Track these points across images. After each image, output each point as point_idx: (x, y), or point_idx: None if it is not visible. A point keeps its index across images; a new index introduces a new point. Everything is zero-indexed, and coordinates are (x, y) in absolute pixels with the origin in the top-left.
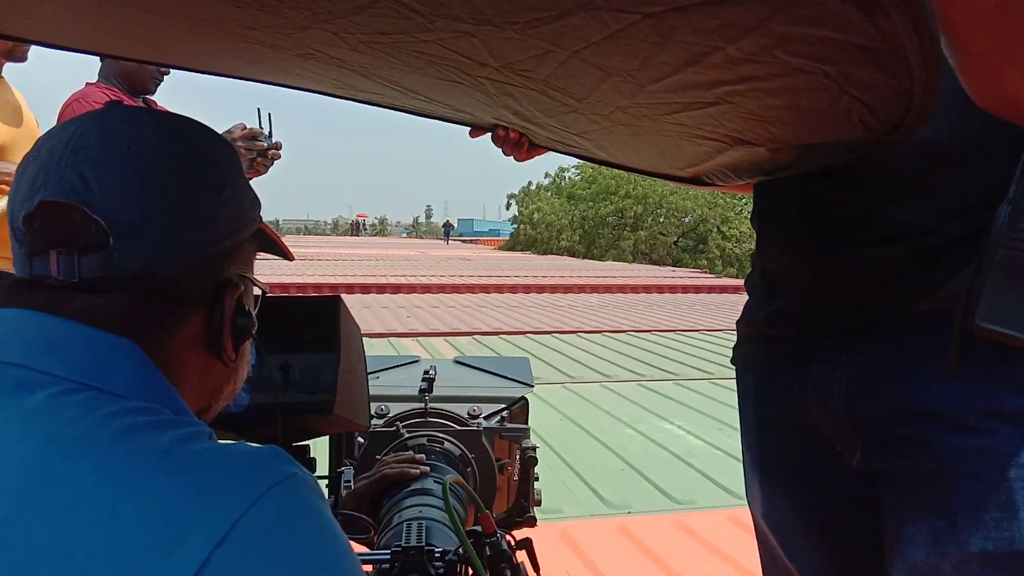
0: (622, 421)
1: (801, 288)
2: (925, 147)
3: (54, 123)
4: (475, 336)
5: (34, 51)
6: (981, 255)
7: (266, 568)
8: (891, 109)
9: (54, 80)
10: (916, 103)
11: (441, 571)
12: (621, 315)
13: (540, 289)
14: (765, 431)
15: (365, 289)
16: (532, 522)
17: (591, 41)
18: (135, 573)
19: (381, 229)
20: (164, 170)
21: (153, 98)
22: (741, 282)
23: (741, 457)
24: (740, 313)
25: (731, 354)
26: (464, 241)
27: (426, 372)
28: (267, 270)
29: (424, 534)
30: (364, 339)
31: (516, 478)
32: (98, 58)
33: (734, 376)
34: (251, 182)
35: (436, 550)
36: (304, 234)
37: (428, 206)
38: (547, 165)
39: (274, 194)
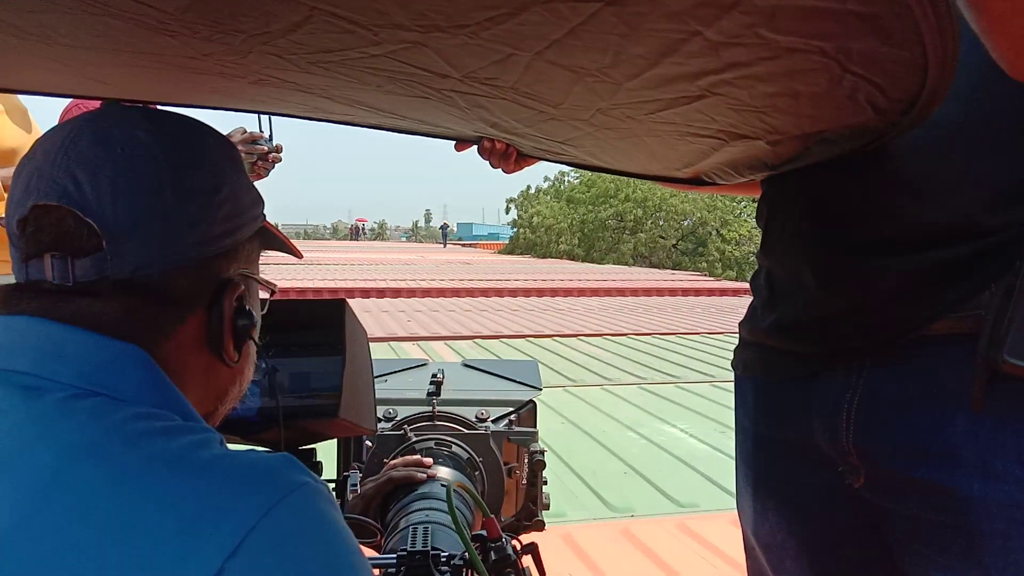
0: (624, 424)
1: (805, 297)
2: (941, 130)
3: None
4: (476, 340)
5: None
6: (1014, 272)
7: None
8: (902, 85)
9: None
10: (931, 76)
11: (447, 574)
12: (621, 318)
13: (540, 293)
14: (761, 444)
15: (365, 293)
16: (540, 526)
17: (552, 39)
18: None
19: (380, 233)
20: (157, 171)
21: None
22: (741, 285)
23: None
24: (741, 315)
25: (732, 357)
26: (463, 245)
27: (434, 376)
28: (267, 275)
29: (430, 538)
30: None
31: (524, 482)
32: None
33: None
34: None
35: (442, 554)
36: (303, 239)
37: (427, 210)
38: (546, 169)
39: (273, 199)
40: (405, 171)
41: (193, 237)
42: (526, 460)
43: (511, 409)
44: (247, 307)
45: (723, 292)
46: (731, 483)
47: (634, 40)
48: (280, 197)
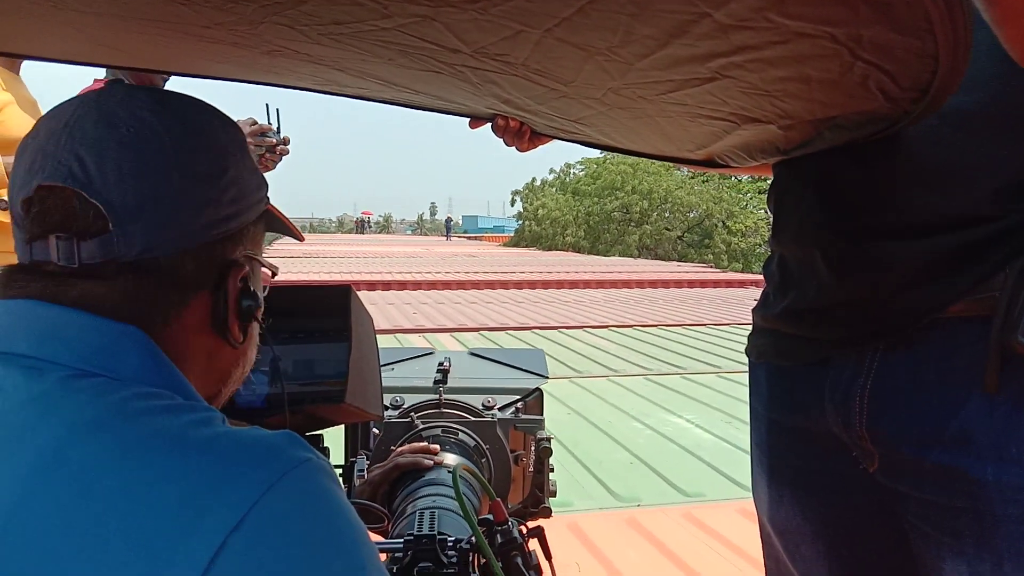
0: (630, 415)
1: (817, 283)
2: (958, 119)
3: None
4: (481, 331)
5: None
6: None
7: (282, 553)
8: (914, 74)
9: (68, 76)
10: (942, 66)
11: (453, 559)
12: (627, 310)
13: (546, 285)
14: (775, 430)
15: (371, 286)
16: (547, 513)
17: (562, 17)
18: (150, 557)
19: (386, 226)
20: (163, 153)
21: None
22: (747, 276)
23: (748, 449)
24: (751, 305)
25: (743, 345)
26: (469, 238)
27: (440, 364)
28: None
29: (437, 523)
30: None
31: (531, 469)
32: None
33: (742, 370)
34: None
35: (449, 539)
36: (309, 231)
37: (432, 203)
38: (552, 161)
39: (279, 192)
40: (411, 164)
41: (199, 220)
42: (533, 448)
43: (518, 397)
44: (252, 288)
45: (729, 284)
46: (738, 473)
47: (643, 20)
48: (286, 190)
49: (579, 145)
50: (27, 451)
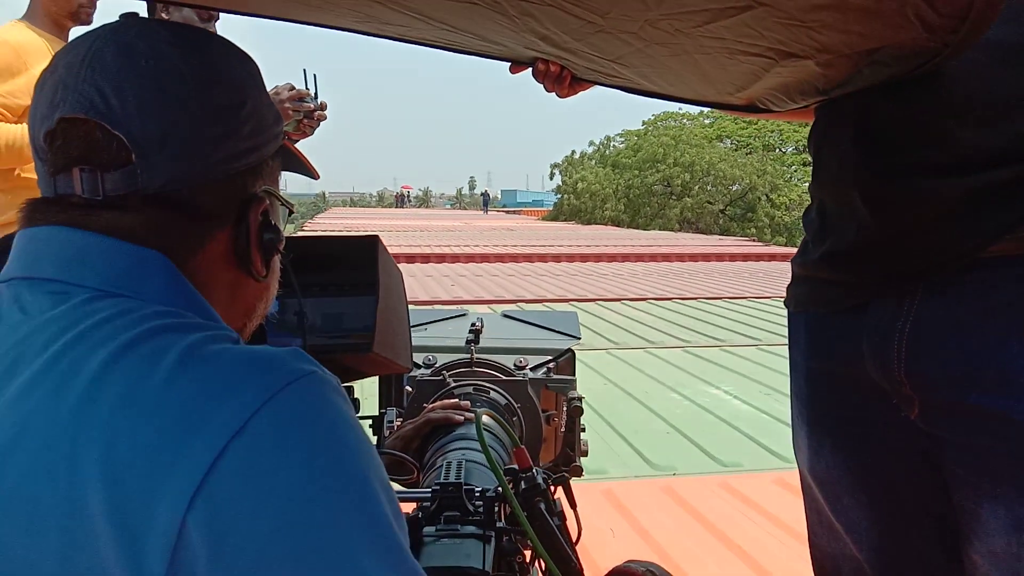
0: (667, 386)
1: (856, 224)
2: (1001, 52)
3: None
4: (519, 303)
5: (99, 14)
6: None
7: (283, 458)
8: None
9: None
10: None
11: (479, 508)
12: (666, 283)
13: (584, 258)
14: (815, 379)
15: (410, 259)
16: (578, 472)
17: None
18: (154, 459)
19: (425, 200)
20: (184, 84)
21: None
22: (791, 251)
23: (790, 422)
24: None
25: (784, 319)
26: (507, 212)
27: (473, 325)
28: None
29: (464, 473)
30: (409, 307)
31: (563, 429)
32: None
33: (783, 343)
34: (298, 145)
35: (475, 489)
36: (349, 206)
37: (472, 177)
38: (592, 133)
39: (319, 167)
40: (450, 138)
41: (220, 152)
42: (564, 407)
43: (549, 357)
44: (273, 222)
45: (772, 257)
46: (776, 444)
47: None
48: (326, 166)
49: (620, 91)
50: (42, 362)
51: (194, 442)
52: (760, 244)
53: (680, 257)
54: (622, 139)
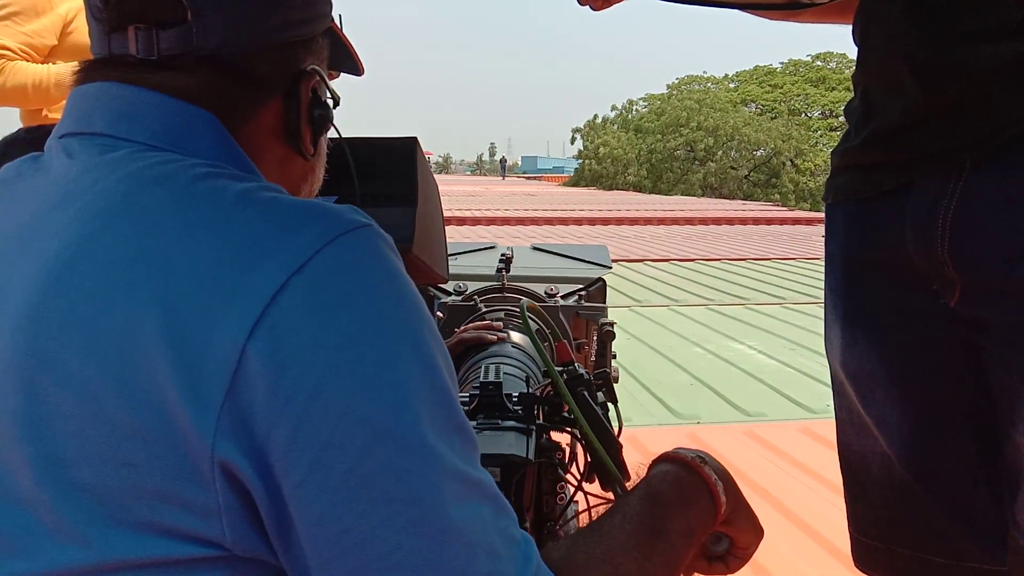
0: (691, 341)
1: (903, 101)
2: None
3: None
4: None
5: None
6: None
7: (343, 299)
8: None
9: None
10: None
11: (518, 409)
12: (690, 245)
13: (605, 221)
14: (851, 270)
15: None
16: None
17: None
18: (214, 288)
19: (445, 167)
20: None
21: None
22: (816, 215)
23: (816, 376)
24: (818, 242)
25: (809, 279)
26: (528, 179)
27: (503, 255)
28: None
29: (502, 377)
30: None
31: (593, 358)
32: None
33: (808, 301)
34: None
35: (513, 394)
36: None
37: (492, 144)
38: (614, 98)
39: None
40: (470, 104)
41: (274, 18)
42: (595, 337)
43: (580, 286)
44: (323, 99)
45: (796, 221)
46: (802, 395)
47: None
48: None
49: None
50: (97, 196)
51: (254, 275)
52: (785, 209)
53: (703, 221)
54: (645, 103)
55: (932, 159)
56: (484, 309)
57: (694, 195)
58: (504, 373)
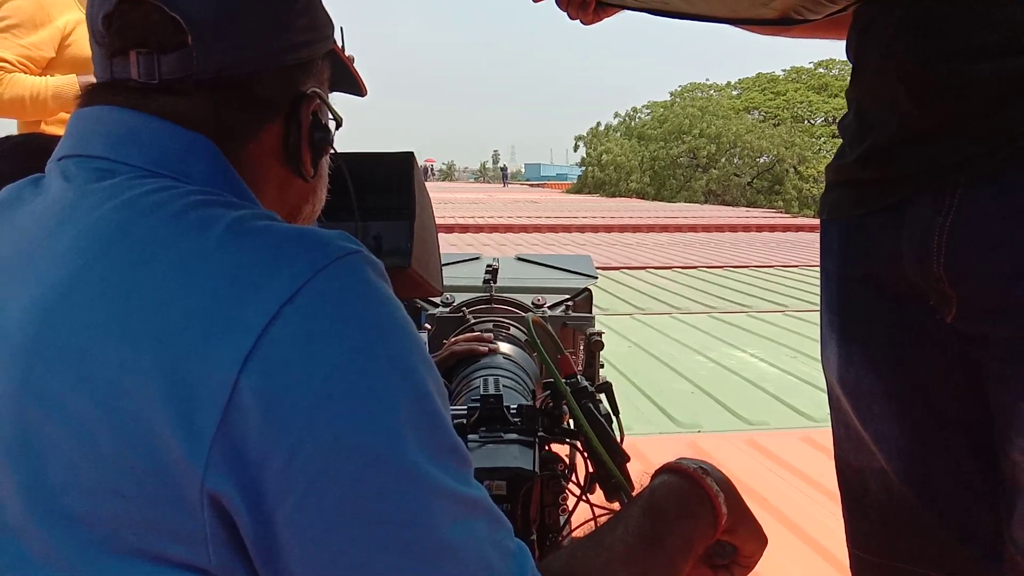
0: (692, 349)
1: (898, 117)
2: None
3: None
4: None
5: None
6: None
7: (333, 328)
8: None
9: None
10: None
11: (517, 420)
12: (692, 252)
13: (608, 229)
14: (847, 286)
15: None
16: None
17: None
18: (207, 320)
19: (449, 174)
20: None
21: None
22: (819, 222)
23: (819, 384)
24: (819, 249)
25: (812, 286)
26: (531, 186)
27: (489, 266)
28: None
29: (501, 389)
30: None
31: (581, 367)
32: None
33: (811, 308)
34: None
35: (512, 406)
36: None
37: (495, 151)
38: (617, 105)
39: (343, 139)
40: (474, 112)
41: (275, 42)
42: (583, 345)
43: (567, 296)
44: (323, 121)
45: (800, 228)
46: (804, 404)
47: None
48: (350, 140)
49: (647, 14)
50: (92, 225)
51: (246, 307)
52: (788, 216)
53: (706, 228)
54: (648, 110)
55: (927, 175)
56: (473, 320)
57: (697, 202)
58: (502, 385)
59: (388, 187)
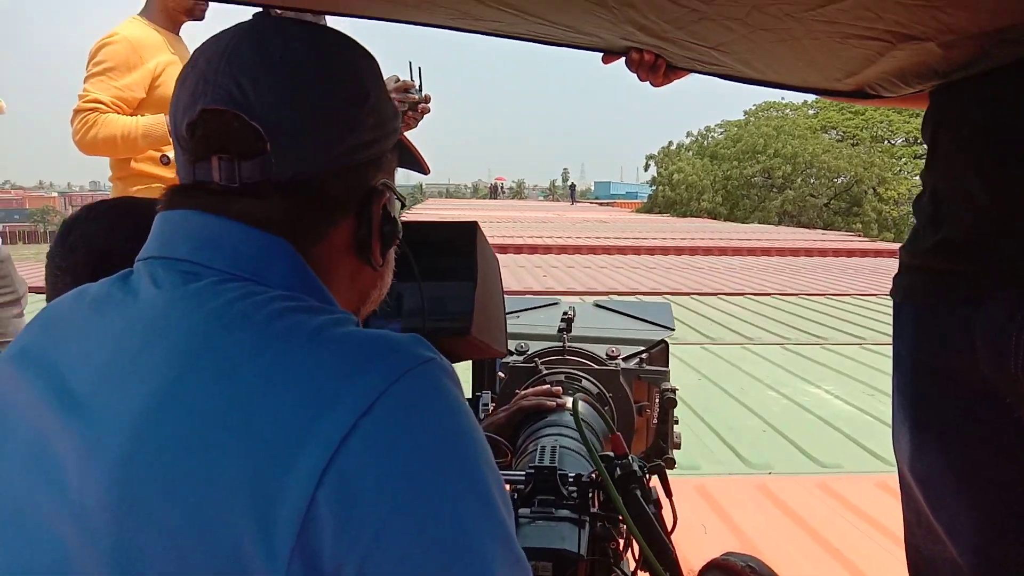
0: (764, 383)
1: (975, 213)
2: None
3: None
4: (611, 295)
5: (211, 10)
6: None
7: (406, 439)
8: None
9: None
10: None
11: (573, 493)
12: (766, 278)
13: (679, 251)
14: (920, 373)
15: (503, 249)
16: (671, 464)
17: None
18: (288, 433)
19: (518, 192)
20: (313, 79)
21: None
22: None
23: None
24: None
25: (889, 317)
26: (600, 204)
27: (565, 313)
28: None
29: (558, 459)
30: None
31: (655, 421)
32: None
33: (888, 342)
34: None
35: (570, 475)
36: (445, 197)
37: (565, 169)
38: (690, 124)
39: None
40: (544, 130)
41: (346, 143)
42: (657, 399)
43: (642, 348)
44: (392, 215)
45: (879, 253)
46: (879, 446)
47: None
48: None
49: (716, 78)
50: (181, 337)
51: (325, 419)
52: (866, 240)
53: (780, 251)
54: (721, 129)
55: (1004, 274)
56: (545, 371)
57: (771, 223)
58: (561, 447)
59: (452, 251)
